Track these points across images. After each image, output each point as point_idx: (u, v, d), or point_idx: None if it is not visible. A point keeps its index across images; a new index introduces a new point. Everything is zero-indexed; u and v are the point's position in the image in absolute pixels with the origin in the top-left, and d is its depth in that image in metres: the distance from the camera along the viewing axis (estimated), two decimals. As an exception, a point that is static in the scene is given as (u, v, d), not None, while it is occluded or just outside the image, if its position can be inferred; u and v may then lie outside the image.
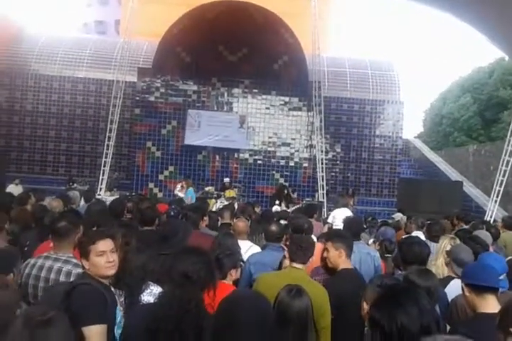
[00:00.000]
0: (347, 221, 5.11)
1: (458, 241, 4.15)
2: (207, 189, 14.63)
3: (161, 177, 16.62)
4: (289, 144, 17.39)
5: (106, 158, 15.08)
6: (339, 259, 3.53)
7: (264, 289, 3.11)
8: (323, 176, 15.65)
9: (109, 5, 35.18)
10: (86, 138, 18.10)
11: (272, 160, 17.29)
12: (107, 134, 15.26)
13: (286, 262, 3.60)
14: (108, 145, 15.19)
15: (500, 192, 13.73)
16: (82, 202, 7.78)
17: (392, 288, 1.79)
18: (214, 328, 1.91)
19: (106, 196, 12.51)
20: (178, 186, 14.27)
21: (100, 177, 14.83)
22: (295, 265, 3.40)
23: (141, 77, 16.93)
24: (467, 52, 79.54)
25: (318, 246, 4.62)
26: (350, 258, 3.62)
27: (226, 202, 11.89)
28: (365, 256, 4.50)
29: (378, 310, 1.75)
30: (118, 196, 11.42)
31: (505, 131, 16.70)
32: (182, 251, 2.50)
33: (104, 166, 14.99)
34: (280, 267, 3.75)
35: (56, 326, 1.71)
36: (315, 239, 5.39)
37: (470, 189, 18.19)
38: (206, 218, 5.90)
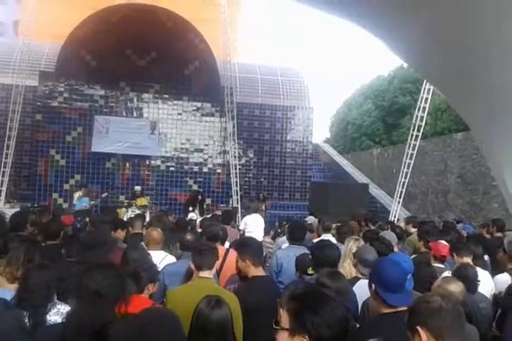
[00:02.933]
0: (290, 226, 5.19)
1: (362, 242, 4.31)
2: (103, 195, 14.00)
3: (66, 186, 15.74)
4: (202, 150, 17.28)
5: (5, 167, 14.13)
6: (247, 268, 3.53)
7: (173, 305, 3.04)
8: (237, 181, 15.72)
9: (7, 4, 32.97)
10: (-18, 146, 16.77)
11: (185, 166, 17.08)
12: (6, 142, 14.27)
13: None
14: (7, 154, 14.21)
15: (403, 193, 14.60)
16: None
17: (305, 295, 1.77)
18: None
19: (5, 208, 11.64)
20: (76, 195, 13.57)
21: (-1, 189, 13.83)
22: (201, 274, 3.37)
23: (42, 81, 16.00)
24: (370, 59, 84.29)
25: (233, 254, 4.59)
26: (261, 265, 3.62)
27: (138, 211, 11.53)
28: None
29: (298, 318, 1.71)
30: (18, 208, 10.69)
31: (405, 136, 17.83)
32: (90, 267, 2.37)
33: (3, 176, 14.03)
34: (189, 277, 3.67)
35: None
36: (228, 245, 5.37)
37: (375, 190, 19.17)
38: (122, 231, 5.61)
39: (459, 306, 2.06)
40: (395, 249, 4.86)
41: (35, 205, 11.76)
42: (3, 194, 13.89)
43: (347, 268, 4.19)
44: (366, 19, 6.78)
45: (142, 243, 4.76)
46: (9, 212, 8.42)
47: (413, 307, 2.03)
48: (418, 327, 1.92)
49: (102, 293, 2.20)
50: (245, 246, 3.67)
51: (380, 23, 6.56)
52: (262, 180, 18.72)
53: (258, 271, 3.54)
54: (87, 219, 7.55)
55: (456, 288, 3.19)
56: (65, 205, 14.54)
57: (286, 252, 4.97)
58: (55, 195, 15.67)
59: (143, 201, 13.76)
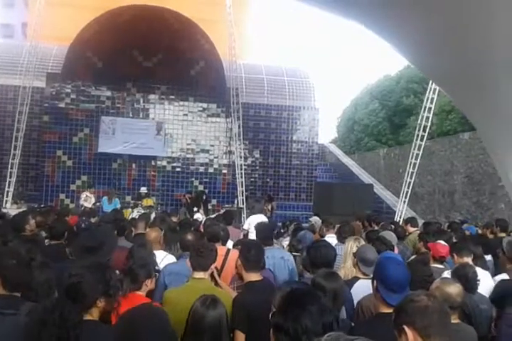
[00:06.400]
0: (257, 227, 5.17)
1: (362, 241, 4.30)
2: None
3: (72, 187, 15.86)
4: (207, 151, 17.32)
5: (12, 168, 14.25)
6: (241, 271, 3.45)
7: (170, 306, 3.05)
8: (242, 182, 15.74)
9: (15, 7, 33.23)
10: (-11, 147, 16.92)
11: (191, 167, 17.13)
12: (13, 143, 14.40)
13: None
14: (14, 155, 14.34)
15: (409, 194, 14.56)
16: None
17: (292, 292, 1.82)
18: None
19: (12, 209, 11.74)
20: (83, 196, 13.69)
21: (6, 189, 13.95)
22: (196, 275, 3.39)
23: (50, 82, 16.12)
24: (377, 60, 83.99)
25: (234, 254, 4.61)
26: (254, 270, 3.44)
27: (144, 212, 11.60)
28: (279, 260, 4.55)
29: (282, 314, 1.77)
30: (25, 209, 10.77)
31: (411, 136, 17.76)
32: (75, 266, 2.40)
33: (11, 177, 14.16)
34: None
35: None
36: (231, 245, 5.39)
37: (381, 191, 19.12)
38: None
39: (445, 305, 2.07)
40: (395, 249, 4.87)
41: (41, 206, 11.85)
42: (11, 195, 13.99)
43: (348, 268, 4.19)
44: (369, 19, 6.77)
45: (147, 243, 4.80)
46: (15, 212, 8.50)
47: (400, 306, 2.03)
48: (405, 326, 1.93)
49: (77, 290, 2.22)
50: (243, 247, 3.61)
51: (383, 22, 6.54)
52: (268, 180, 18.74)
53: (250, 276, 3.42)
54: (92, 220, 7.63)
55: (455, 289, 3.17)
56: (72, 206, 14.63)
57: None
58: (61, 196, 15.79)
59: (149, 201, 13.88)
